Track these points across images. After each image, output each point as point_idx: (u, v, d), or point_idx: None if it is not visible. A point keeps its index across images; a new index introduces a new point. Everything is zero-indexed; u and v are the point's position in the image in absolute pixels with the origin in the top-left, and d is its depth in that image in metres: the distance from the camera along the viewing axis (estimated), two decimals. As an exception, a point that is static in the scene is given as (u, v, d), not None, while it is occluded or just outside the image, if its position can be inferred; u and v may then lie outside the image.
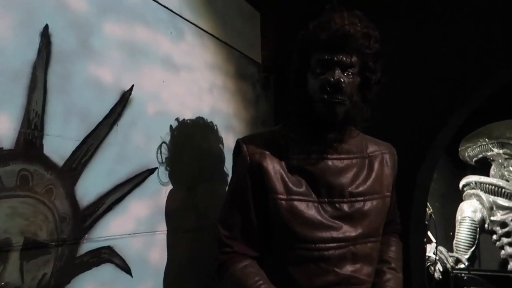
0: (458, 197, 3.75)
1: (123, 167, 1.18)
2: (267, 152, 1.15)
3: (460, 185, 3.68)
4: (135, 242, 1.21)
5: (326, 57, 1.06)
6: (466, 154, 3.66)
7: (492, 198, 3.31)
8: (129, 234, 1.19)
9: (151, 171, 1.29)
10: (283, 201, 1.11)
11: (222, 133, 1.65)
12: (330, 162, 1.14)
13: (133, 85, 1.23)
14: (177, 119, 1.42)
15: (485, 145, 3.41)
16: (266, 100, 2.04)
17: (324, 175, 1.12)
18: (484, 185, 3.36)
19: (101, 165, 1.11)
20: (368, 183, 1.17)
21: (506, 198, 3.26)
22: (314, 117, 1.12)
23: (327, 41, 1.05)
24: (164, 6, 1.38)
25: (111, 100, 1.16)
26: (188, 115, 1.47)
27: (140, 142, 1.25)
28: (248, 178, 1.15)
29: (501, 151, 3.30)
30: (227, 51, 1.75)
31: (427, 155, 1.59)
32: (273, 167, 1.13)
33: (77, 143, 1.04)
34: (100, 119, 1.12)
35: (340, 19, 1.05)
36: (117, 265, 1.14)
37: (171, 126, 1.38)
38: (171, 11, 1.42)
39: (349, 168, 1.16)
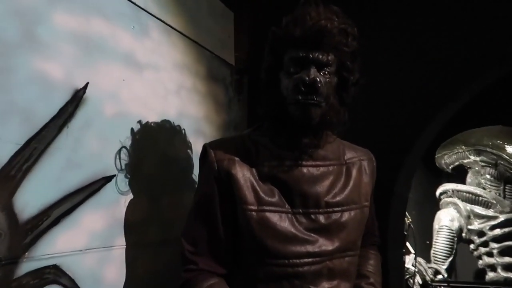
0: (434, 205, 3.75)
1: (74, 175, 1.06)
2: (236, 159, 1.06)
3: (437, 193, 3.67)
4: (87, 259, 1.08)
5: (300, 54, 0.98)
6: (443, 162, 3.65)
7: (469, 206, 3.30)
8: (80, 250, 1.06)
9: (107, 179, 1.17)
10: (253, 212, 1.01)
11: (191, 138, 1.55)
12: (305, 170, 1.06)
13: (87, 83, 1.12)
14: (139, 122, 1.31)
15: (461, 152, 3.41)
16: (239, 104, 1.95)
17: (298, 183, 1.04)
18: (461, 193, 3.35)
19: (47, 172, 0.99)
20: (346, 192, 1.09)
21: (483, 207, 3.26)
22: (287, 121, 1.03)
23: (301, 38, 0.98)
24: (126, -1, 1.27)
25: (61, 98, 1.04)
26: (152, 117, 1.36)
27: (95, 147, 1.13)
28: (215, 186, 1.05)
29: (477, 159, 3.30)
30: (197, 51, 1.66)
31: (405, 162, 1.54)
32: (243, 174, 1.04)
33: (18, 147, 0.92)
34: (47, 119, 1.00)
35: (316, 13, 0.97)
36: (65, 286, 1.01)
37: (132, 129, 1.27)
38: (135, 4, 1.31)
39: (326, 176, 1.08)
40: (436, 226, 3.53)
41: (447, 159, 3.58)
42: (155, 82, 1.39)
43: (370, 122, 1.60)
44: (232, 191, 1.03)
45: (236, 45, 1.97)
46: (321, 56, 0.98)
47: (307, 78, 0.96)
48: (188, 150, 1.51)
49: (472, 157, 3.32)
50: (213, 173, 1.05)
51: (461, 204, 3.32)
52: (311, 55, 0.98)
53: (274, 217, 1.02)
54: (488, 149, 3.19)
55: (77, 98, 1.08)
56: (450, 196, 3.45)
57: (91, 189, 1.12)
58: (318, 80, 0.96)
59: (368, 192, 1.16)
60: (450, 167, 3.62)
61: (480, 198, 3.22)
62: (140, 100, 1.31)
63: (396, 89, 1.66)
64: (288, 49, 1.01)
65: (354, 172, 1.14)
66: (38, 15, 0.99)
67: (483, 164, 3.28)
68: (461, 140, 3.44)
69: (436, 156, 3.71)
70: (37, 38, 0.99)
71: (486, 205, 3.23)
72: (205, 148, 1.10)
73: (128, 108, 1.26)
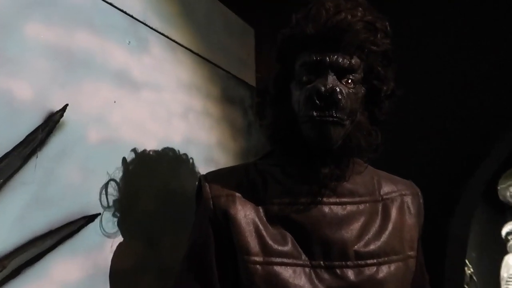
0: (500, 247, 3.22)
1: (43, 214, 0.89)
2: (237, 194, 0.84)
3: (503, 233, 3.15)
4: (57, 319, 0.89)
5: (314, 58, 0.77)
6: (508, 194, 3.14)
7: None
8: (47, 308, 0.87)
9: (89, 218, 0.99)
10: (258, 266, 0.78)
11: (200, 167, 1.35)
12: (326, 209, 0.82)
13: (66, 105, 0.96)
14: (134, 150, 1.13)
15: None
16: (260, 129, 1.74)
17: (318, 227, 0.81)
18: None
19: (6, 212, 0.82)
20: (383, 238, 0.84)
21: None
22: (301, 145, 0.81)
23: (315, 36, 0.77)
24: (121, 10, 1.14)
25: (29, 123, 0.88)
26: (151, 144, 1.19)
27: (73, 180, 0.96)
28: (210, 231, 0.84)
29: None
30: (209, 70, 1.49)
31: (463, 196, 1.24)
32: (245, 215, 0.82)
33: (-34, 181, 0.76)
34: (9, 147, 0.84)
35: (334, 5, 0.77)
36: None
37: (124, 159, 1.10)
38: (131, 16, 1.17)
39: (355, 216, 0.83)
40: (504, 274, 2.99)
41: None
42: (156, 103, 1.22)
43: (414, 145, 1.32)
44: (231, 237, 0.81)
45: (257, 64, 1.79)
46: (341, 60, 0.76)
47: (323, 87, 0.74)
48: (196, 182, 1.31)
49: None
50: (208, 214, 0.84)
51: (535, 247, 2.81)
52: (328, 58, 0.76)
53: (285, 272, 0.78)
54: None
55: (51, 122, 0.93)
56: None
57: (66, 231, 0.94)
58: (338, 90, 0.74)
59: (414, 237, 0.90)
60: None
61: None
62: (136, 124, 1.14)
63: (449, 101, 1.38)
64: (299, 53, 0.80)
65: (393, 211, 0.89)
66: (6, 25, 0.86)
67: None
68: None
69: (499, 188, 3.23)
70: (2, 52, 0.85)
71: None
72: (199, 180, 0.90)
73: (120, 134, 1.09)
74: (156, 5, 1.26)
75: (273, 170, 0.87)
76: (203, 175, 0.90)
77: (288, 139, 0.82)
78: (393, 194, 0.91)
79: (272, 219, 0.82)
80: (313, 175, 0.81)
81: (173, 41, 1.32)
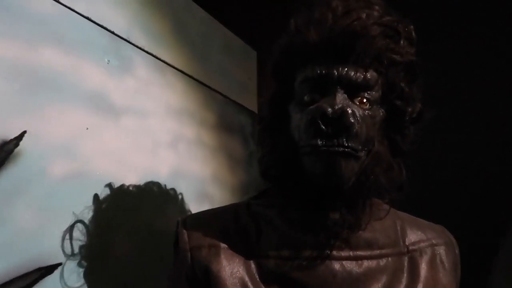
0: None
1: (-18, 267, 0.72)
2: (223, 245, 0.67)
3: None
4: None
5: (319, 71, 0.61)
6: None
7: None
8: None
9: (47, 269, 0.82)
10: None
11: (191, 204, 1.19)
12: (337, 265, 0.64)
13: (24, 132, 0.81)
14: (109, 186, 0.97)
15: None
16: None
17: None
18: None
19: None
20: (412, 304, 0.65)
21: None
22: (303, 182, 0.64)
23: (320, 45, 0.61)
24: (100, 25, 1.01)
25: (-28, 153, 0.73)
26: (131, 179, 1.03)
27: (27, 222, 0.79)
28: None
29: None
30: (205, 94, 1.35)
31: (504, 245, 1.04)
32: (232, 272, 0.64)
33: None
34: None
35: (343, 5, 0.61)
36: None
37: (96, 196, 0.94)
38: (113, 33, 1.04)
39: (374, 275, 0.65)
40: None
41: None
42: (139, 131, 1.07)
43: (446, 183, 1.13)
44: (213, 302, 0.63)
45: (259, 89, 1.65)
46: (353, 73, 0.60)
47: (330, 108, 0.58)
48: (185, 223, 1.14)
49: None
50: (185, 270, 0.67)
51: None
52: (336, 72, 0.60)
53: None
54: None
55: (3, 152, 0.77)
56: None
57: (16, 286, 0.76)
58: (350, 111, 0.58)
59: None
60: None
61: None
62: (113, 155, 0.99)
63: (493, 132, 1.19)
64: (300, 67, 0.65)
65: (423, 267, 0.70)
66: None
67: None
68: None
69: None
70: None
71: None
72: (177, 226, 0.72)
73: (91, 167, 0.93)
74: (143, 21, 1.13)
75: (269, 213, 0.70)
76: (181, 219, 0.73)
77: (286, 175, 0.65)
78: (422, 244, 0.73)
79: (267, 277, 0.64)
80: (320, 221, 0.64)
81: (162, 61, 1.19)
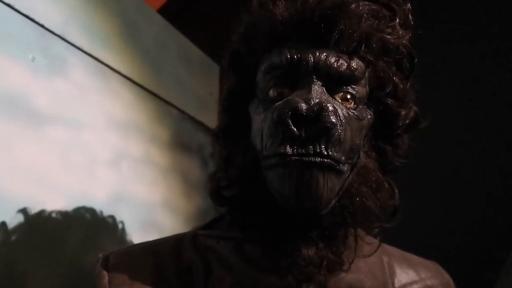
0: None
1: None
2: (156, 292, 0.49)
3: None
4: None
5: (288, 56, 0.46)
6: None
7: None
8: None
9: None
10: None
11: (135, 235, 1.00)
12: (311, 318, 0.47)
13: None
14: (24, 212, 0.77)
15: None
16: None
17: None
18: None
19: None
20: None
21: None
22: (267, 206, 0.48)
23: (291, 23, 0.47)
24: (26, 16, 0.83)
25: None
26: (55, 203, 0.83)
27: None
28: None
29: None
30: (157, 107, 1.18)
31: (498, 282, 0.91)
32: None
33: None
34: None
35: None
36: None
37: (3, 224, 0.73)
38: (42, 26, 0.86)
39: None
40: None
41: None
42: (70, 145, 0.89)
43: (442, 213, 1.00)
44: None
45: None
46: (334, 60, 0.46)
47: (303, 104, 0.43)
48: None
49: None
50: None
51: None
52: (311, 58, 0.46)
53: None
54: None
55: None
56: None
57: None
58: (331, 108, 0.43)
59: None
60: None
61: None
62: (31, 173, 0.79)
63: (490, 159, 1.09)
64: (265, 53, 0.50)
65: None
66: None
67: None
68: None
69: None
70: None
71: None
72: (98, 264, 0.54)
73: (2, 188, 0.73)
74: (83, 18, 0.97)
75: (221, 248, 0.53)
76: (103, 256, 0.54)
77: (245, 197, 0.49)
78: (415, 287, 0.58)
79: (217, 337, 0.47)
80: (289, 259, 0.47)
81: (106, 65, 1.02)
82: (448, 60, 1.19)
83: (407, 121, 0.52)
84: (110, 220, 0.95)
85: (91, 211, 0.91)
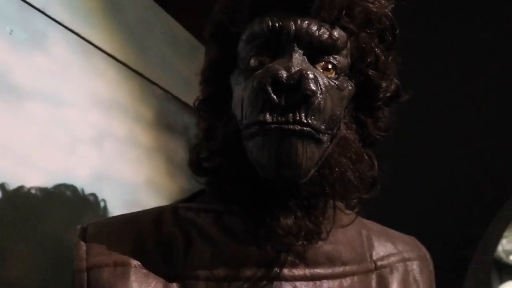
0: None
1: None
2: (134, 263, 0.49)
3: None
4: None
5: (270, 24, 0.46)
6: (501, 248, 2.81)
7: None
8: None
9: None
10: None
11: (118, 213, 0.97)
12: (288, 287, 0.48)
13: None
14: (3, 188, 0.76)
15: None
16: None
17: None
18: None
19: None
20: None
21: None
22: (247, 177, 0.48)
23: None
24: (3, -13, 0.80)
25: None
26: (36, 180, 0.82)
27: None
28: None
29: None
30: (141, 86, 1.16)
31: (474, 259, 0.93)
32: None
33: None
34: None
35: None
36: None
37: (-19, 199, 0.71)
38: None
39: None
40: None
41: (507, 244, 2.69)
42: (51, 122, 0.87)
43: (419, 191, 1.02)
44: None
45: (207, 88, 1.48)
46: (315, 29, 0.46)
47: (284, 71, 0.42)
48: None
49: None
50: (81, 294, 0.47)
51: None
52: (292, 26, 0.46)
53: None
54: None
55: None
56: None
57: None
58: (312, 76, 0.43)
59: None
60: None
61: None
62: (9, 149, 0.77)
63: (466, 148, 1.10)
64: (246, 23, 0.49)
65: (394, 287, 0.56)
66: None
67: None
68: None
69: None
70: None
71: None
72: (76, 235, 0.53)
73: (-24, 161, 0.72)
74: (64, -8, 0.94)
75: (202, 220, 0.52)
76: (82, 226, 0.54)
77: (225, 169, 0.49)
78: (392, 259, 0.59)
79: (195, 306, 0.47)
80: (268, 229, 0.47)
81: (88, 42, 0.99)
82: (431, 34, 1.19)
83: (388, 93, 0.52)
84: (92, 199, 0.94)
85: (73, 189, 0.90)
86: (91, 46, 1.01)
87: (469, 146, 1.07)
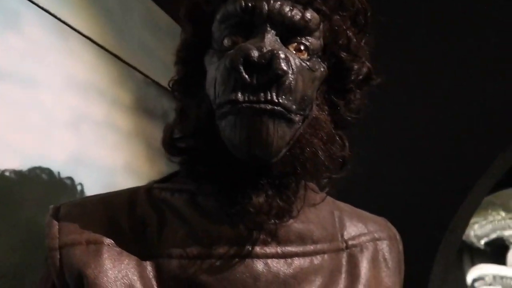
0: None
1: None
2: (107, 241, 0.49)
3: (469, 280, 2.83)
4: None
5: (243, 4, 0.46)
6: (472, 233, 2.88)
7: None
8: None
9: None
10: None
11: (95, 199, 0.97)
12: (260, 265, 0.49)
13: None
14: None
15: (500, 220, 2.68)
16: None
17: None
18: (508, 280, 2.58)
19: None
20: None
21: None
22: (220, 157, 0.48)
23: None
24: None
25: None
26: (9, 162, 0.81)
27: None
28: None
29: None
30: (120, 70, 1.15)
31: (444, 241, 0.96)
32: (116, 278, 0.47)
33: None
34: None
35: None
36: None
37: (-48, 181, 0.70)
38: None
39: (307, 277, 0.52)
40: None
41: (479, 229, 2.77)
42: (25, 104, 0.85)
43: (388, 173, 1.04)
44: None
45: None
46: (288, 10, 0.47)
47: (255, 51, 0.43)
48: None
49: (517, 228, 2.59)
50: (52, 276, 0.47)
51: (508, 297, 2.55)
52: (265, 6, 0.46)
53: None
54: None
55: None
56: (491, 284, 2.65)
57: None
58: (283, 56, 0.43)
59: None
60: (483, 241, 2.83)
61: (538, 288, 2.46)
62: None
63: (434, 132, 1.13)
64: (220, 2, 0.49)
65: (364, 266, 0.58)
66: None
67: (535, 237, 2.56)
68: (498, 204, 2.65)
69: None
70: None
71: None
72: (49, 214, 0.53)
73: None
74: (38, -30, 0.91)
75: (176, 200, 0.53)
76: (54, 206, 0.53)
77: (198, 149, 0.49)
78: (363, 239, 0.60)
79: (168, 283, 0.48)
80: (240, 208, 0.48)
81: (64, 23, 0.97)
82: (404, 18, 1.20)
83: (360, 76, 0.53)
84: (68, 182, 0.93)
85: (49, 172, 0.89)
86: (68, 28, 0.98)
87: (440, 130, 1.10)
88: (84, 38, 1.03)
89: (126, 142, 1.13)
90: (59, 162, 0.91)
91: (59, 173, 0.91)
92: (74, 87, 0.98)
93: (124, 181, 1.10)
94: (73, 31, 1.00)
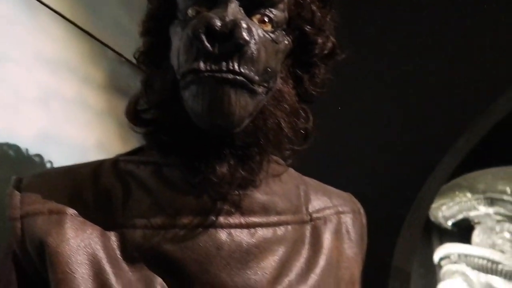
0: (431, 274, 3.01)
1: None
2: (70, 211, 0.49)
3: (436, 258, 2.93)
4: None
5: None
6: (440, 214, 2.98)
7: (484, 277, 2.62)
8: None
9: None
10: None
11: (66, 177, 0.95)
12: (223, 235, 0.50)
13: None
14: None
15: (466, 202, 2.77)
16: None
17: (209, 266, 0.49)
18: (472, 258, 2.68)
19: None
20: (312, 280, 0.54)
21: (504, 278, 2.58)
22: (184, 128, 0.48)
23: None
24: None
25: None
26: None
27: None
28: (13, 276, 0.47)
29: (490, 210, 2.66)
30: (92, 47, 1.12)
31: (407, 219, 0.99)
32: (79, 247, 0.47)
33: None
34: None
35: None
36: None
37: None
38: None
39: (270, 247, 0.53)
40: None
41: (446, 211, 2.86)
42: (-10, 78, 0.82)
43: (354, 149, 1.06)
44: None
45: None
46: (252, -19, 0.46)
47: (217, 20, 0.43)
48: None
49: (482, 208, 2.67)
50: (15, 242, 0.47)
51: (472, 273, 2.64)
52: (229, -23, 0.45)
53: None
54: (505, 197, 2.56)
55: None
56: (456, 263, 2.75)
57: None
58: (246, 26, 0.44)
59: (355, 276, 0.62)
60: (450, 222, 2.92)
61: (499, 265, 2.55)
62: None
63: (398, 108, 1.15)
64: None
65: (327, 238, 0.60)
66: None
67: (499, 218, 2.64)
68: (465, 186, 2.74)
69: (431, 207, 3.04)
70: None
71: (506, 275, 2.56)
72: (11, 185, 0.52)
73: None
74: None
75: (141, 172, 0.53)
76: (17, 177, 0.53)
77: (162, 120, 0.49)
78: (327, 212, 0.62)
79: (131, 253, 0.48)
80: (203, 178, 0.48)
81: (34, -3, 0.94)
82: None
83: (325, 50, 0.54)
84: (37, 159, 0.91)
85: (16, 148, 0.87)
86: (36, 2, 0.95)
87: (405, 107, 1.13)
88: (53, 13, 1.00)
89: (98, 120, 1.12)
90: (27, 139, 0.89)
91: (27, 150, 0.89)
92: (43, 63, 0.96)
93: (96, 159, 1.09)
94: (42, 6, 0.97)
